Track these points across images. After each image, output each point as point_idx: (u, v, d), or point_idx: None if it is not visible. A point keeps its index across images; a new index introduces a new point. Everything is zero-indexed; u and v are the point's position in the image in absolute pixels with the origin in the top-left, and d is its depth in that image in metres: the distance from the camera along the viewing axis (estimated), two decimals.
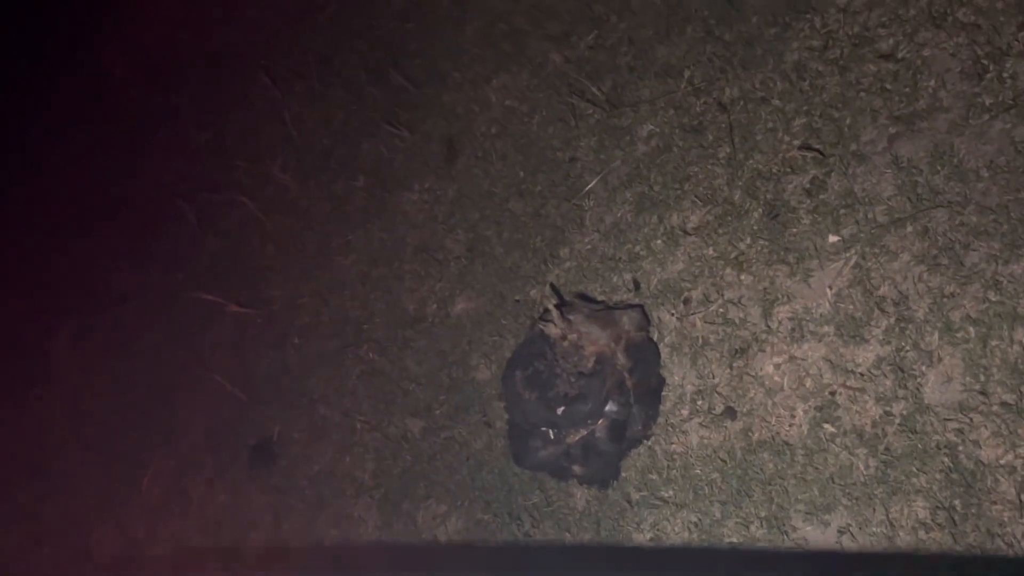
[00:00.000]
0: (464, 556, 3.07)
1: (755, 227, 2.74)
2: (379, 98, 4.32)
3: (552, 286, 3.11)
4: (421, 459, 3.35)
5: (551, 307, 2.71)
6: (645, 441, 2.73)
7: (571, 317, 2.73)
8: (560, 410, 2.64)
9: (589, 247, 3.16)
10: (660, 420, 2.74)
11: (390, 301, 3.75)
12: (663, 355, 2.79)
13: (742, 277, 2.72)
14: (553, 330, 2.70)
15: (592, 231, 3.17)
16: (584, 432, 2.66)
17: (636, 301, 2.90)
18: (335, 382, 3.79)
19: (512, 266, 3.38)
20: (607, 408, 2.63)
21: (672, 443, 2.70)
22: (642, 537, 2.66)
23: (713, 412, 2.64)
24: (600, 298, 2.99)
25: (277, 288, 4.22)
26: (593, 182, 3.22)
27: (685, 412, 2.71)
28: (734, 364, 2.65)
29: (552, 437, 2.68)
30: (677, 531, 2.60)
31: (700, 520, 2.56)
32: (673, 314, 2.83)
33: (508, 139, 3.65)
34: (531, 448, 2.74)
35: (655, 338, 2.81)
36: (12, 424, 5.26)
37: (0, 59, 6.61)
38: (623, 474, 2.77)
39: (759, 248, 2.71)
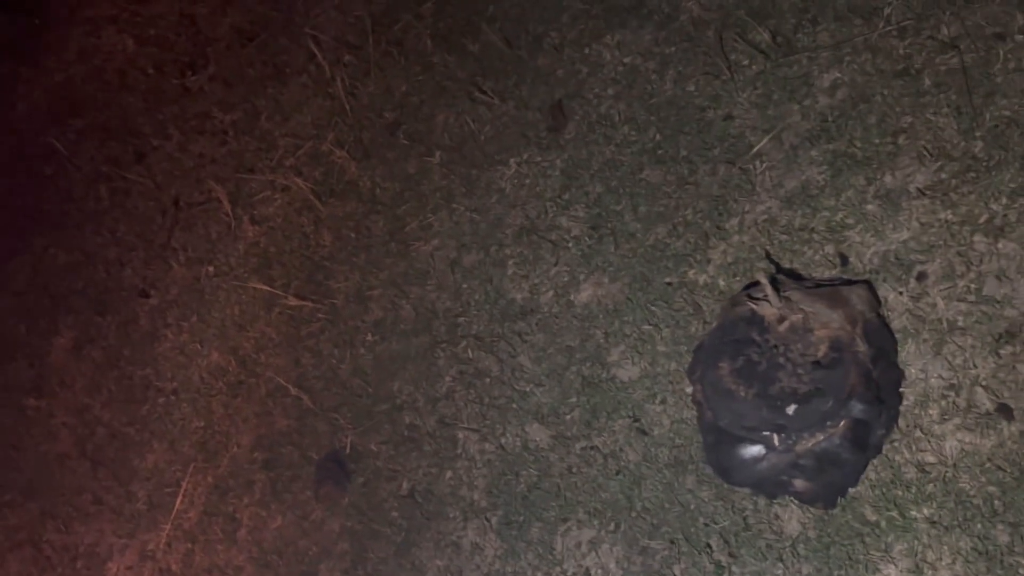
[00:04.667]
0: None
1: (1012, 185, 2.22)
2: (453, 66, 3.75)
3: (768, 255, 2.55)
4: (551, 474, 2.79)
5: (764, 280, 2.16)
6: (883, 448, 2.16)
7: (787, 294, 2.17)
8: (790, 409, 2.08)
9: (765, 217, 2.63)
10: (900, 423, 2.19)
11: (491, 291, 3.19)
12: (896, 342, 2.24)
13: (1000, 245, 2.20)
14: (768, 310, 2.15)
15: (768, 198, 2.65)
16: (821, 437, 2.09)
17: (849, 278, 2.35)
18: (424, 385, 3.21)
19: (656, 243, 2.84)
20: (851, 406, 2.06)
21: (922, 450, 2.15)
22: (893, 569, 2.11)
23: (977, 411, 2.11)
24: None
25: (340, 279, 3.64)
26: (763, 142, 2.69)
27: (935, 412, 2.18)
28: (1001, 351, 2.12)
29: (777, 444, 2.11)
30: (946, 562, 2.04)
31: (981, 547, 2.02)
32: (902, 292, 2.30)
33: (633, 101, 3.13)
34: (745, 459, 2.18)
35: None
36: (7, 436, 4.58)
37: None
38: (851, 490, 2.21)
39: (1021, 208, 2.17)
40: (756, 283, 2.27)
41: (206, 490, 3.73)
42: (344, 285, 3.65)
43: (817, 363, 2.12)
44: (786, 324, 2.19)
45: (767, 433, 2.13)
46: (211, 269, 4.28)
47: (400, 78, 3.99)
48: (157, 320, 4.33)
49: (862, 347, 2.14)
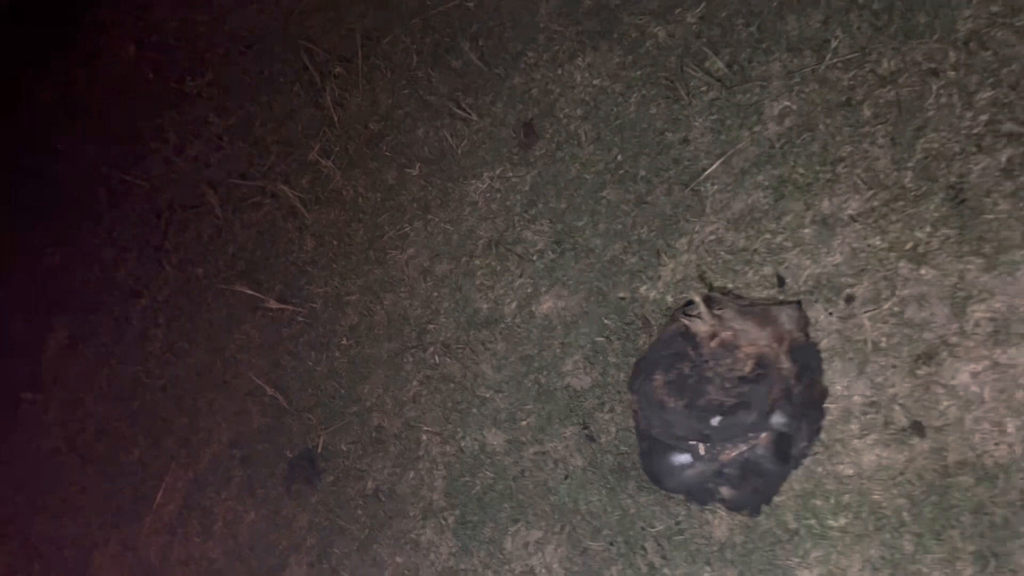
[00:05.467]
0: None
1: (936, 214, 2.36)
2: (436, 81, 3.89)
3: (701, 276, 2.68)
4: (505, 477, 2.92)
5: (698, 299, 2.29)
6: (804, 461, 2.29)
7: (720, 312, 2.30)
8: (715, 421, 2.21)
9: (712, 237, 2.76)
10: (822, 436, 2.32)
11: (459, 299, 3.32)
12: (823, 361, 2.37)
13: (922, 271, 2.33)
14: (700, 327, 2.28)
15: (716, 219, 2.77)
16: (743, 447, 2.23)
17: (783, 298, 2.48)
18: (393, 388, 3.35)
19: (612, 260, 2.97)
20: (773, 420, 2.20)
21: (840, 463, 2.29)
22: (809, 574, 2.23)
23: (893, 427, 2.24)
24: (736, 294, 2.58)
25: (320, 284, 3.79)
26: (714, 165, 2.82)
27: (855, 427, 2.31)
28: (918, 372, 2.25)
29: (703, 453, 2.25)
30: (857, 568, 2.17)
31: (889, 556, 2.15)
32: (832, 313, 2.42)
33: (599, 121, 3.25)
34: (674, 466, 2.31)
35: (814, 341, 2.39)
36: (2, 427, 4.73)
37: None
38: (775, 499, 2.34)
39: (943, 238, 2.32)
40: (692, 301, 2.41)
41: (186, 485, 3.87)
42: (324, 290, 3.78)
43: (743, 378, 2.25)
44: (717, 340, 2.31)
45: (694, 442, 2.26)
46: (200, 271, 4.42)
47: (386, 91, 4.12)
48: (148, 320, 4.48)
49: (786, 364, 2.27)
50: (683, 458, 2.30)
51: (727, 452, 2.26)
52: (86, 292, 4.92)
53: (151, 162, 5.00)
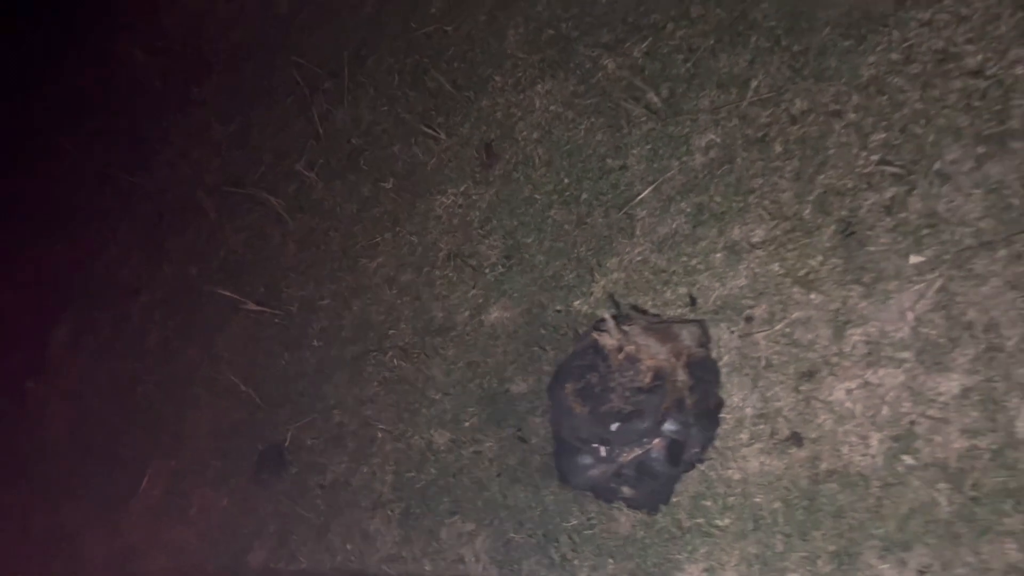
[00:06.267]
0: None
1: (827, 244, 2.59)
2: (413, 100, 4.16)
3: (610, 295, 2.93)
4: (447, 473, 3.17)
5: (608, 316, 2.55)
6: (699, 465, 2.55)
7: (627, 328, 2.55)
8: (614, 426, 2.46)
9: (639, 258, 3.00)
10: (717, 444, 2.56)
11: (418, 307, 3.58)
12: (722, 375, 2.61)
13: (811, 296, 2.56)
14: (608, 341, 2.54)
15: (643, 242, 3.02)
16: (639, 451, 2.48)
17: (692, 317, 2.73)
18: (355, 388, 3.62)
19: (554, 275, 3.22)
20: (665, 427, 2.45)
21: (729, 468, 2.53)
22: (695, 568, 2.48)
23: (777, 437, 2.48)
24: (653, 312, 2.82)
25: (297, 288, 4.06)
26: (646, 192, 3.07)
27: (744, 436, 2.54)
28: (801, 388, 2.49)
29: (603, 455, 2.50)
30: (734, 563, 2.42)
31: (761, 552, 2.39)
32: (733, 332, 2.67)
33: (552, 145, 3.50)
34: (580, 466, 2.57)
35: (715, 357, 2.63)
36: (8, 417, 5.04)
37: (15, 43, 6.43)
38: (673, 499, 2.59)
39: (831, 267, 2.55)
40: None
41: (168, 474, 4.16)
42: (300, 294, 4.06)
43: (640, 388, 2.50)
44: (622, 354, 2.56)
45: (596, 445, 2.51)
46: (195, 271, 4.71)
47: (369, 108, 4.39)
48: (146, 317, 4.78)
49: (683, 377, 2.52)
50: (586, 459, 2.55)
51: (625, 455, 2.50)
52: (90, 288, 5.23)
53: (155, 165, 5.30)
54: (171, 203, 4.89)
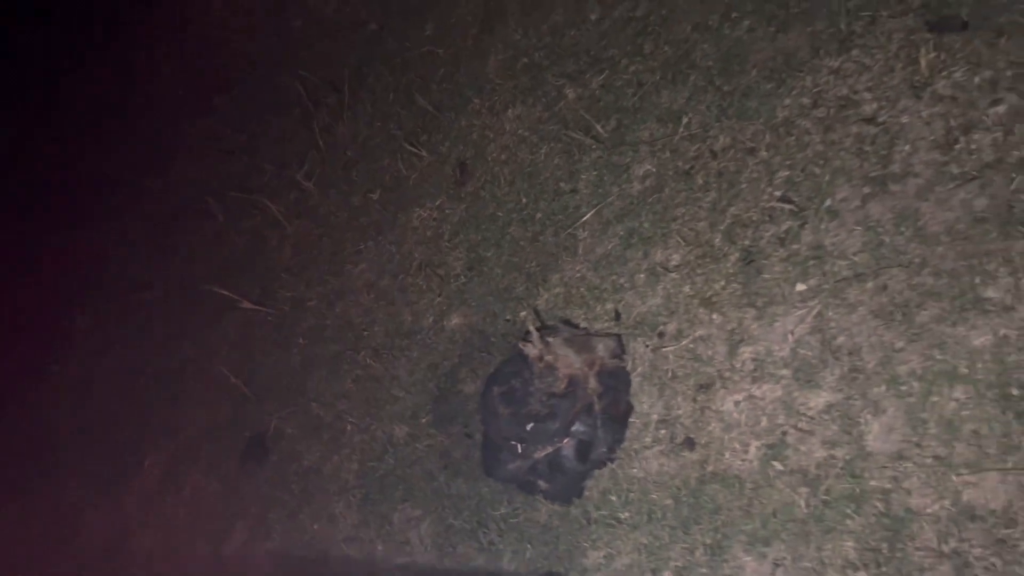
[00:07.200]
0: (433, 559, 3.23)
1: (730, 270, 2.88)
2: (403, 117, 4.50)
3: (535, 310, 3.26)
4: (403, 464, 3.51)
5: (532, 329, 2.87)
6: (609, 463, 2.86)
7: (550, 340, 2.88)
8: (529, 427, 2.79)
9: (578, 275, 3.31)
10: (625, 445, 2.88)
11: (391, 311, 3.92)
12: (634, 384, 2.93)
13: (713, 316, 2.86)
14: (532, 351, 2.86)
15: (583, 261, 3.33)
16: (550, 449, 2.80)
17: (615, 331, 3.05)
18: (332, 384, 3.96)
19: (506, 287, 3.54)
20: (574, 428, 2.77)
21: (633, 468, 2.84)
22: (596, 555, 2.80)
23: (674, 442, 2.79)
24: (582, 325, 3.14)
25: (290, 289, 4.41)
26: (589, 214, 3.38)
27: (648, 439, 2.85)
28: (698, 398, 2.79)
29: (520, 452, 2.83)
30: (628, 551, 2.73)
31: (650, 543, 2.70)
32: (648, 346, 2.97)
33: (516, 167, 3.81)
34: (501, 461, 2.90)
35: (629, 367, 2.95)
36: (26, 399, 5.46)
37: (40, 46, 6.87)
38: (586, 493, 2.91)
39: (732, 291, 2.85)
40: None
41: (166, 459, 4.55)
42: (292, 295, 4.43)
43: (555, 394, 2.83)
44: (543, 363, 2.89)
45: (514, 443, 2.85)
46: (199, 271, 5.10)
47: (365, 123, 4.75)
48: (153, 312, 5.17)
49: (593, 384, 2.84)
50: (506, 455, 2.88)
51: (538, 452, 2.83)
52: (104, 283, 5.64)
53: (169, 170, 5.70)
54: (182, 205, 5.27)
